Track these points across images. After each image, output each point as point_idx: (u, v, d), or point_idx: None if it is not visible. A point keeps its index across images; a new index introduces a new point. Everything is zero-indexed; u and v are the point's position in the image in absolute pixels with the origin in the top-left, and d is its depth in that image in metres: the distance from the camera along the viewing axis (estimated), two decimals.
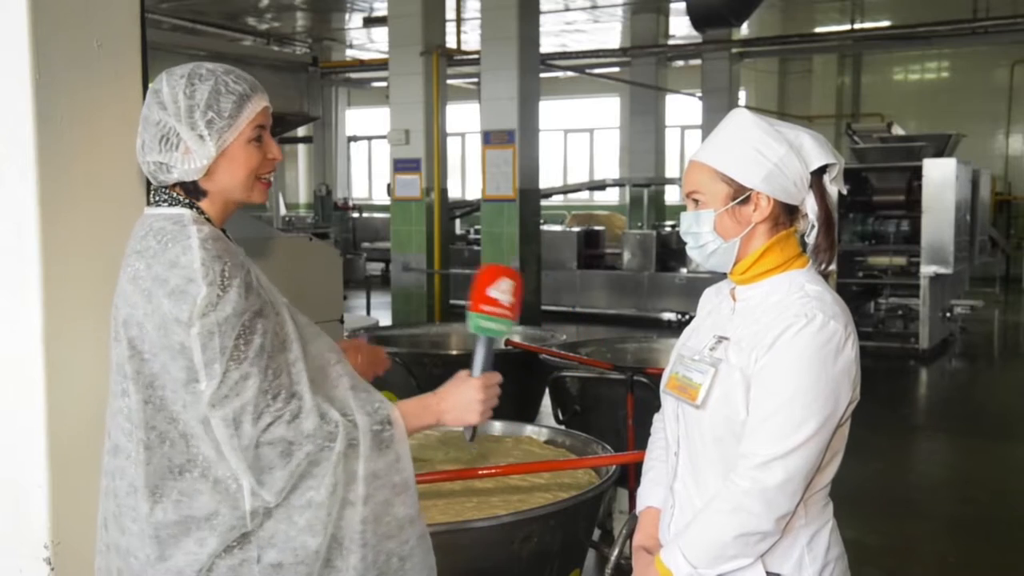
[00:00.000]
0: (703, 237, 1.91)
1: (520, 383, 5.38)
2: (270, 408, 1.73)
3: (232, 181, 1.85)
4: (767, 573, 1.84)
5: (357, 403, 1.83)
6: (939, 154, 10.80)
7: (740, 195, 1.87)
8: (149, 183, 2.16)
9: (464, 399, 1.92)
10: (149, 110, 1.84)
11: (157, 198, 1.88)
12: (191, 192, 1.86)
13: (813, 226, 1.91)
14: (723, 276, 2.01)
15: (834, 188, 1.93)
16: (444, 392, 1.94)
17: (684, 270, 12.17)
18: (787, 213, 1.91)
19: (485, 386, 1.92)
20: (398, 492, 1.86)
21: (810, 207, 1.90)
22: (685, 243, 1.98)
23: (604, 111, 21.72)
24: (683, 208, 1.98)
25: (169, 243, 1.76)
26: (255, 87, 1.86)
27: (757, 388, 1.81)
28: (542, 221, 11.57)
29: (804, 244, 1.95)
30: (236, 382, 1.72)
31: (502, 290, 1.94)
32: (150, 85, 1.89)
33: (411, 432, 1.89)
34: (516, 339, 5.66)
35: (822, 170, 1.91)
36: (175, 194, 1.86)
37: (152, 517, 1.79)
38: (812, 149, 1.89)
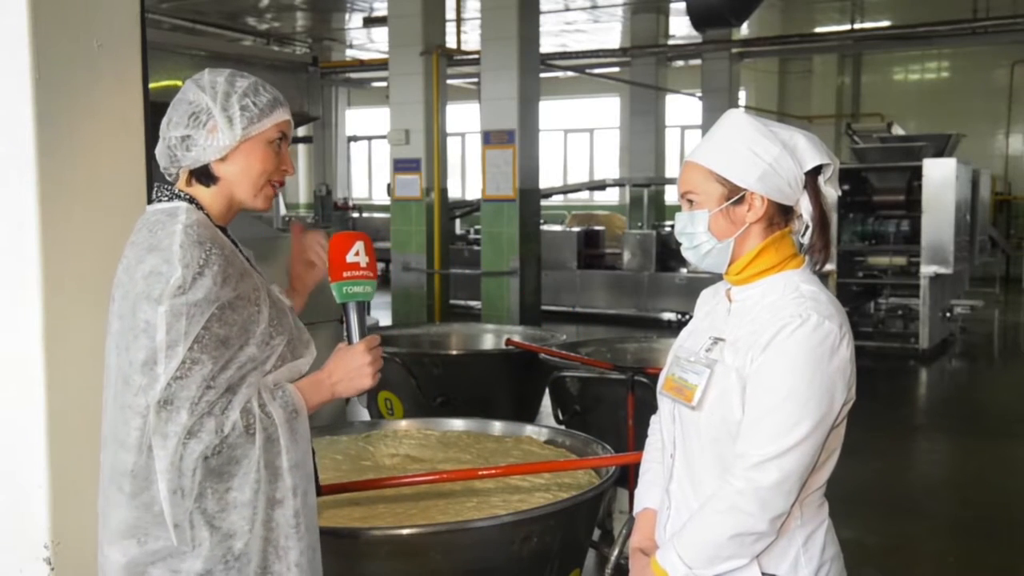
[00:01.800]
0: (698, 237, 1.92)
1: (520, 383, 5.39)
2: (208, 398, 1.74)
3: (244, 174, 1.90)
4: (763, 574, 1.84)
5: (268, 394, 1.84)
6: (939, 154, 10.80)
7: (734, 195, 1.88)
8: (150, 183, 2.16)
9: (352, 367, 1.94)
10: (184, 93, 1.92)
11: (158, 195, 1.91)
12: (202, 178, 1.90)
13: (808, 227, 1.91)
14: (722, 277, 2.02)
15: (829, 189, 1.93)
16: (332, 366, 1.96)
17: (684, 270, 12.17)
18: (782, 214, 1.91)
19: (368, 349, 1.96)
20: (311, 481, 1.90)
21: (804, 207, 1.91)
22: (680, 244, 1.98)
23: (604, 111, 21.71)
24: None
25: (158, 231, 1.81)
26: (285, 102, 1.96)
27: (752, 388, 1.81)
28: (542, 221, 11.56)
29: (801, 245, 1.95)
30: (189, 367, 1.73)
31: (356, 252, 1.98)
32: (189, 76, 1.94)
33: (311, 410, 1.92)
34: (516, 339, 5.67)
35: (817, 171, 1.91)
36: (177, 190, 1.90)
37: (104, 516, 1.84)
38: (806, 149, 1.89)
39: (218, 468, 1.75)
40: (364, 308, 2.00)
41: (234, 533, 1.78)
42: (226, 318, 1.77)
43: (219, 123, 1.86)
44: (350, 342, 1.97)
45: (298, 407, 1.87)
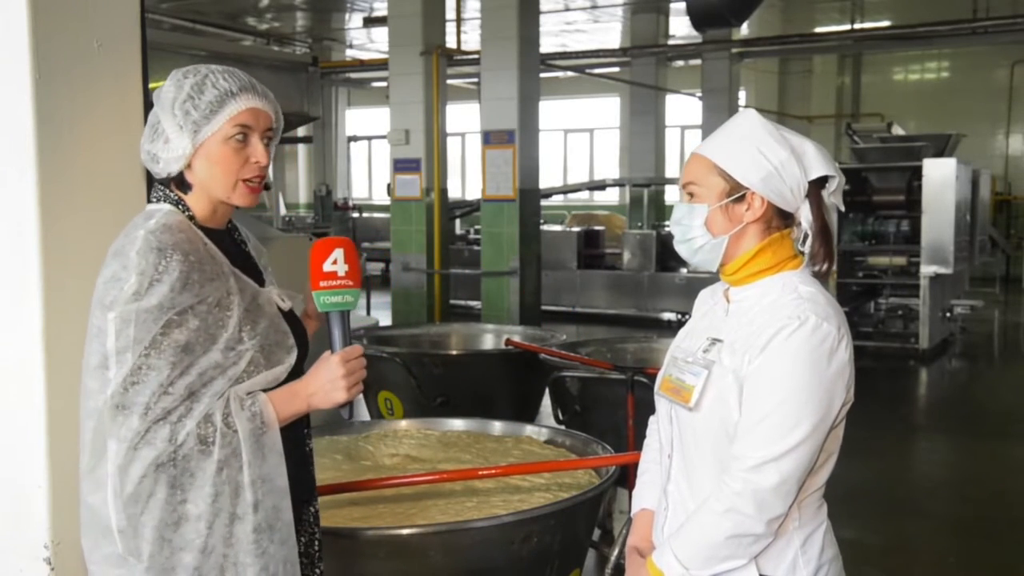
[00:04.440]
0: (692, 231, 1.91)
1: (520, 383, 5.39)
2: (162, 404, 1.70)
3: (210, 178, 1.85)
4: (761, 575, 1.84)
5: (237, 404, 1.77)
6: (939, 154, 10.80)
7: (735, 192, 1.87)
8: (149, 183, 2.16)
9: (327, 379, 1.84)
10: (155, 103, 1.88)
11: (152, 195, 1.91)
12: (179, 185, 1.88)
13: (807, 235, 1.91)
14: (719, 276, 2.01)
15: (833, 201, 1.93)
16: (309, 376, 1.88)
17: (684, 270, 12.17)
18: (780, 218, 1.90)
19: (345, 361, 1.85)
20: (283, 495, 1.82)
21: (804, 216, 1.90)
22: (672, 235, 1.97)
23: (604, 111, 21.71)
24: None
25: (128, 234, 1.79)
26: (246, 88, 1.85)
27: (750, 390, 1.81)
28: (542, 221, 11.56)
29: (800, 253, 1.94)
30: (142, 372, 1.69)
31: (335, 261, 1.89)
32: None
33: (284, 421, 1.84)
34: (516, 339, 5.67)
35: (821, 182, 1.90)
36: (168, 191, 1.88)
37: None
38: (814, 158, 1.89)
39: (172, 478, 1.70)
40: (345, 318, 1.91)
41: (184, 547, 1.72)
42: (187, 323, 1.72)
43: (170, 135, 1.82)
44: (332, 351, 1.89)
45: (267, 419, 1.79)
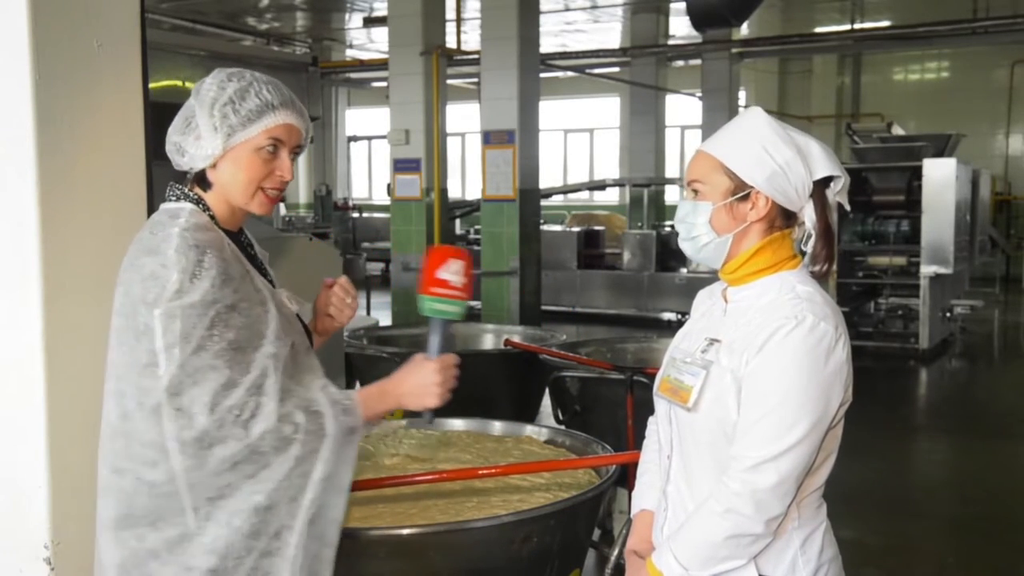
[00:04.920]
0: (697, 228, 1.91)
1: (520, 383, 5.38)
2: (228, 403, 1.73)
3: (233, 181, 1.88)
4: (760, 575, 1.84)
5: (328, 404, 1.83)
6: (939, 154, 10.80)
7: (740, 191, 1.87)
8: (150, 183, 2.16)
9: (422, 382, 1.92)
10: (191, 96, 1.90)
11: (169, 194, 1.92)
12: (200, 181, 1.90)
13: (810, 235, 1.91)
14: (718, 275, 2.01)
15: (838, 200, 1.92)
16: (401, 376, 1.93)
17: (684, 270, 12.17)
18: (784, 217, 1.90)
19: (442, 368, 1.92)
20: (339, 493, 1.87)
21: (808, 216, 1.90)
22: (677, 233, 1.97)
23: (604, 111, 21.71)
24: None
25: (157, 232, 1.81)
26: (287, 103, 1.90)
27: (748, 390, 1.81)
28: (542, 221, 11.56)
29: (802, 252, 1.94)
30: (197, 370, 1.72)
31: (452, 271, 1.92)
32: (185, 74, 1.94)
33: (372, 419, 1.90)
34: (516, 339, 5.67)
35: (826, 182, 1.90)
36: (187, 190, 1.90)
37: (103, 511, 1.82)
38: (819, 158, 1.88)
39: (247, 475, 1.75)
40: (448, 326, 1.95)
41: (253, 534, 1.78)
42: (232, 321, 1.76)
43: (203, 132, 1.85)
44: (428, 356, 1.95)
45: (355, 426, 1.86)
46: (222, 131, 1.84)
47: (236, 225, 1.95)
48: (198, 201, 1.88)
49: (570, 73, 18.14)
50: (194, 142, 1.86)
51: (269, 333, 1.82)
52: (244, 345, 1.77)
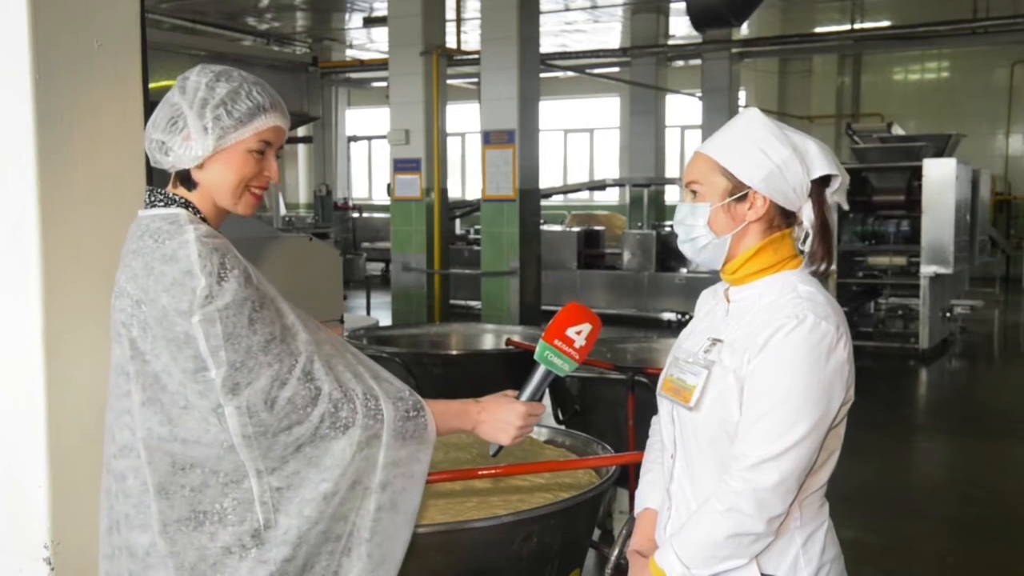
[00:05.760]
0: (696, 230, 1.91)
1: (520, 383, 5.38)
2: (285, 394, 1.75)
3: (221, 183, 1.87)
4: (762, 575, 1.84)
5: (384, 393, 1.87)
6: (939, 154, 10.80)
7: (738, 191, 1.87)
8: (150, 183, 2.16)
9: (505, 418, 1.99)
10: (172, 93, 1.89)
11: (152, 199, 1.90)
12: (183, 181, 1.89)
13: (808, 234, 1.91)
14: (719, 275, 2.01)
15: (836, 199, 1.92)
16: (487, 404, 2.00)
17: (684, 270, 12.17)
18: (782, 217, 1.90)
19: (528, 414, 1.99)
20: (416, 482, 1.92)
21: (806, 215, 1.90)
22: (676, 235, 1.98)
23: (604, 111, 21.71)
24: None
25: (166, 240, 1.79)
26: (276, 106, 1.90)
27: (749, 389, 1.81)
28: (542, 221, 11.56)
29: (801, 252, 1.94)
30: (250, 370, 1.74)
31: (580, 332, 2.00)
32: (182, 73, 1.93)
33: (445, 431, 1.95)
34: (516, 339, 5.66)
35: (824, 182, 1.90)
36: (171, 194, 1.89)
37: (161, 514, 1.80)
38: (816, 157, 1.88)
39: (304, 455, 1.78)
40: (549, 377, 2.03)
41: (321, 521, 1.81)
42: (265, 316, 1.78)
43: (192, 132, 1.83)
44: (520, 397, 2.02)
45: (418, 407, 1.91)
46: (214, 133, 1.82)
47: (218, 225, 1.94)
48: (187, 205, 1.87)
49: (570, 73, 18.14)
50: (182, 142, 1.84)
51: (295, 322, 1.84)
52: (282, 336, 1.79)
